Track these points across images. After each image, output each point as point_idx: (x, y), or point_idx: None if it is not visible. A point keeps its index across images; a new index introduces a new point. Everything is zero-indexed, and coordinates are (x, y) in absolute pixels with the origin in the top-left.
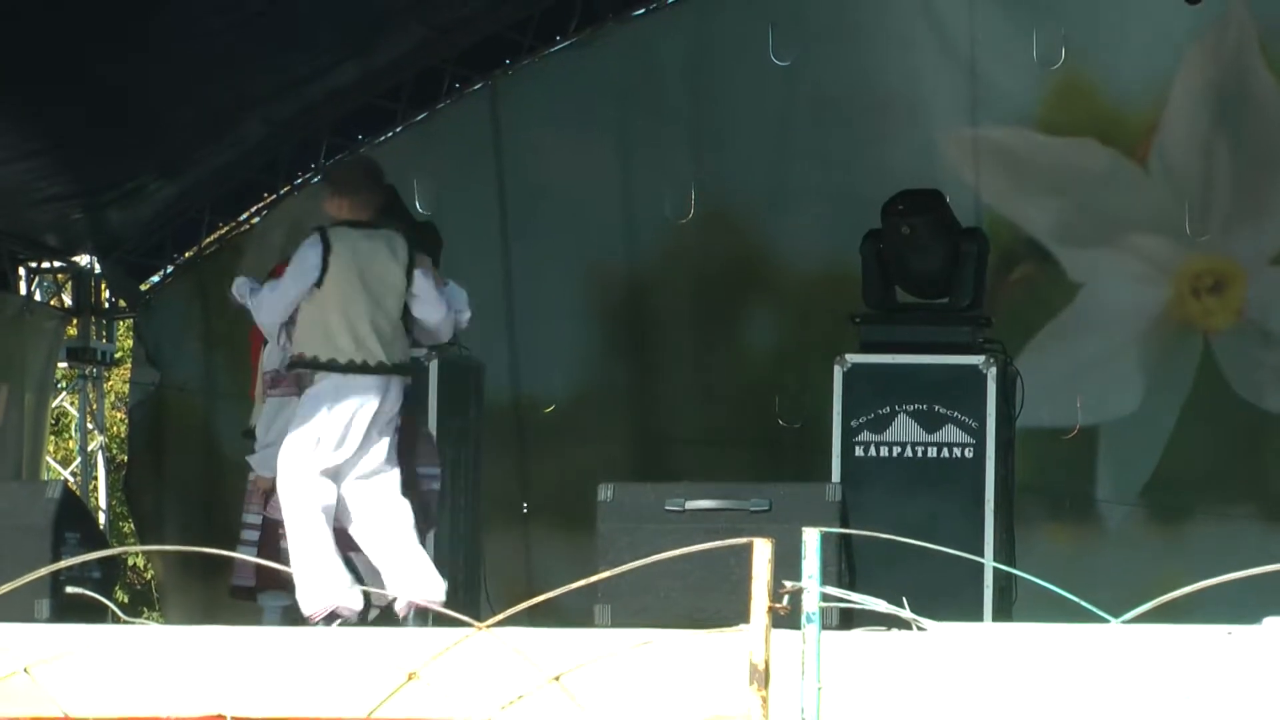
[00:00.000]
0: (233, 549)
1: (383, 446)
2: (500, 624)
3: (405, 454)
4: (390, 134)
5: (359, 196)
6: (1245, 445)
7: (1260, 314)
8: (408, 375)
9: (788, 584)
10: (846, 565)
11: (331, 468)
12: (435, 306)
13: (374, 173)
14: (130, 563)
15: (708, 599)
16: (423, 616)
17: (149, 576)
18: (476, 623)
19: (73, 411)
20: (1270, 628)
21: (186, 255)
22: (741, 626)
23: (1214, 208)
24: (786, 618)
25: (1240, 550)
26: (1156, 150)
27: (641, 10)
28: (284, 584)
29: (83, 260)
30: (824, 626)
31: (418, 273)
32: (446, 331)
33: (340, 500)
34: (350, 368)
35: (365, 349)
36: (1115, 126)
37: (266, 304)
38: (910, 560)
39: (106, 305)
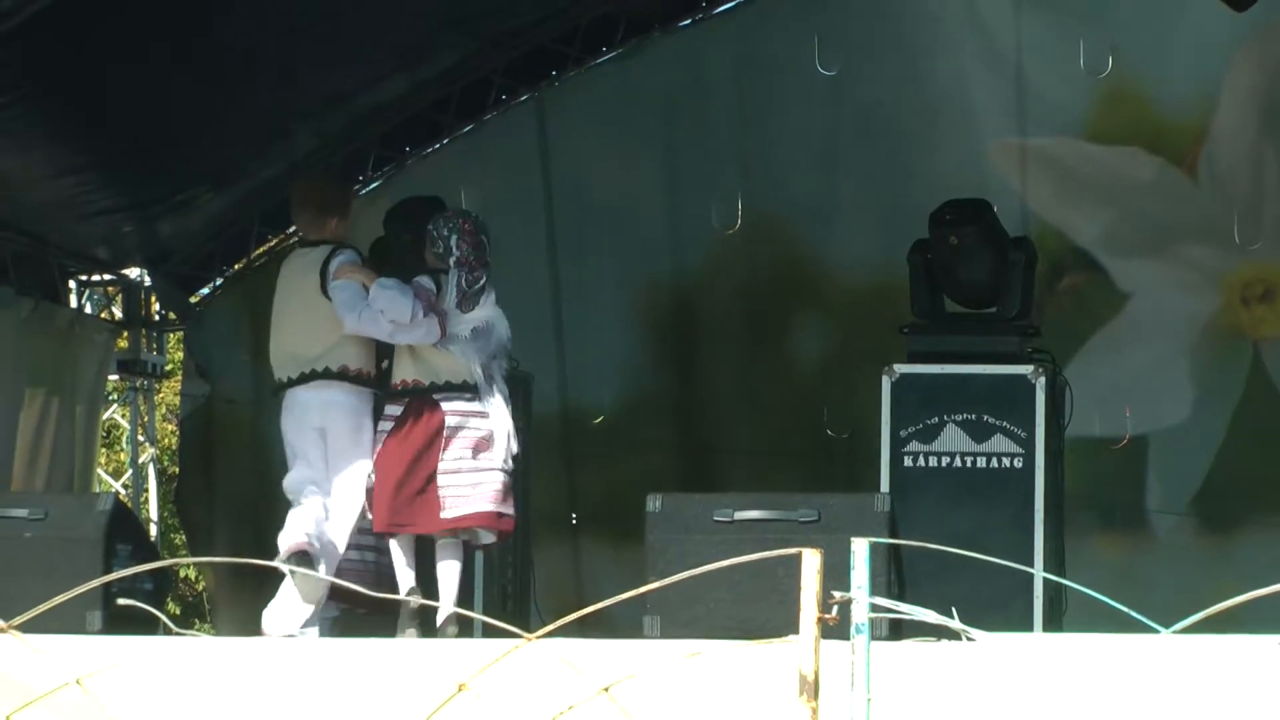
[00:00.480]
0: None
1: (347, 454)
2: (549, 635)
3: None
4: (437, 146)
5: (300, 219)
6: None
7: None
8: (356, 381)
9: (837, 594)
10: (896, 576)
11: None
12: (341, 310)
13: (310, 194)
14: (181, 574)
15: (756, 609)
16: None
17: (200, 588)
18: (526, 633)
19: (124, 424)
20: None
21: (236, 267)
22: (791, 637)
23: (1263, 215)
24: (836, 628)
25: None
26: (1205, 158)
27: (688, 21)
28: (335, 595)
29: (132, 273)
30: (873, 637)
31: (332, 282)
32: (380, 333)
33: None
34: (286, 384)
35: (296, 364)
36: (1163, 135)
37: None
38: (959, 571)
39: (156, 317)
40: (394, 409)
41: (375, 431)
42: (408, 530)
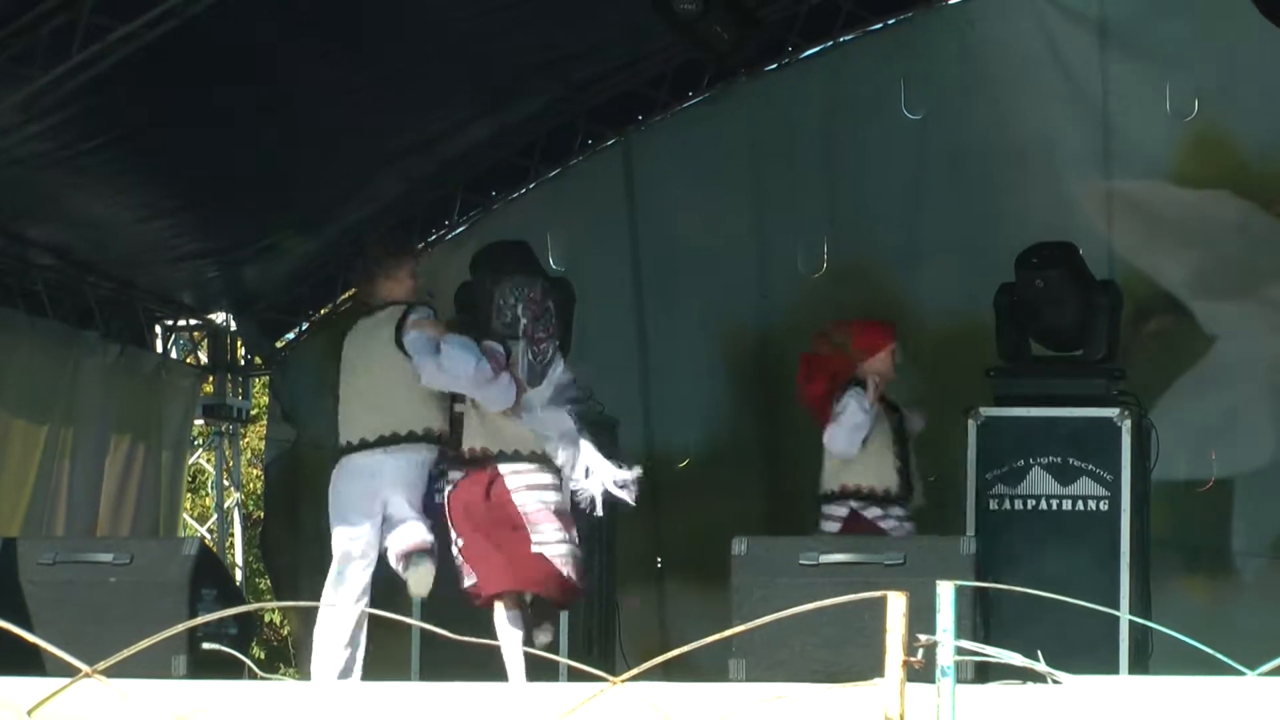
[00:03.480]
0: None
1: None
2: (635, 679)
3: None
4: (523, 190)
5: (358, 287)
6: None
7: None
8: (437, 441)
9: (922, 637)
10: (981, 619)
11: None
12: (419, 359)
13: (354, 261)
14: (266, 619)
15: (842, 653)
16: None
17: (285, 632)
18: (611, 677)
19: (209, 469)
20: None
21: (322, 312)
22: (876, 680)
23: None
24: (921, 671)
25: None
26: None
27: (774, 65)
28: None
29: (218, 318)
30: (959, 680)
31: (405, 335)
32: (472, 390)
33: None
34: (348, 449)
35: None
36: (1250, 178)
37: None
38: (1045, 614)
39: (242, 362)
40: (456, 473)
41: (433, 492)
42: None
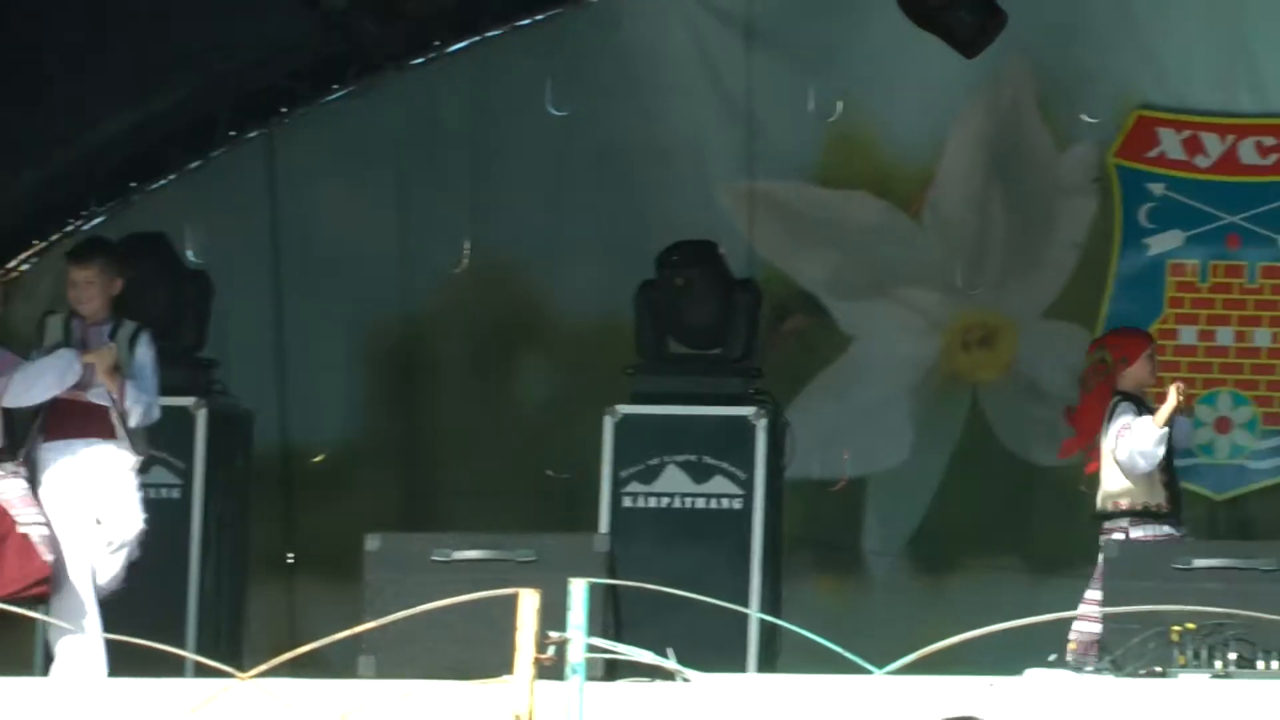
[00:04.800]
0: None
1: None
2: (263, 674)
3: None
4: (163, 181)
5: None
6: (1011, 498)
7: (1029, 368)
8: None
9: (553, 635)
10: (613, 616)
11: None
12: None
13: None
14: None
15: (474, 650)
16: None
17: None
18: (239, 673)
19: None
20: (1031, 679)
21: None
22: (506, 677)
23: (986, 261)
24: (552, 669)
25: (1004, 603)
26: (930, 204)
27: (420, 60)
28: None
29: None
30: (589, 678)
31: None
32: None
33: None
34: None
35: None
36: (890, 179)
37: None
38: (677, 612)
39: None
40: None
41: None
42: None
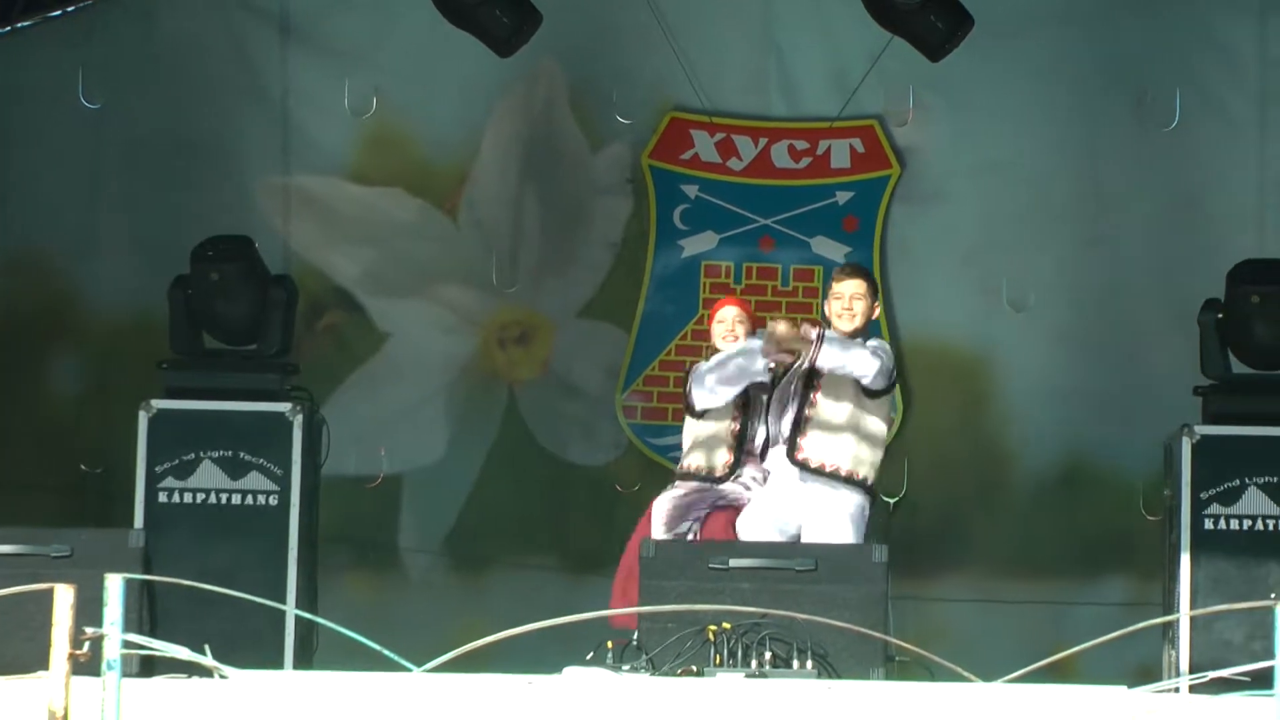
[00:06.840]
0: None
1: None
2: None
3: None
4: None
5: None
6: (548, 496)
7: (564, 366)
8: None
9: (89, 630)
10: (149, 612)
11: None
12: None
13: None
14: None
15: (8, 646)
16: None
17: None
18: None
19: None
20: (570, 677)
21: None
22: (41, 674)
23: (522, 260)
24: (88, 664)
25: (542, 601)
26: (466, 202)
27: None
28: None
29: None
30: (125, 674)
31: None
32: None
33: None
34: None
35: None
36: (426, 177)
37: None
38: (214, 608)
39: None
40: None
41: None
42: None
